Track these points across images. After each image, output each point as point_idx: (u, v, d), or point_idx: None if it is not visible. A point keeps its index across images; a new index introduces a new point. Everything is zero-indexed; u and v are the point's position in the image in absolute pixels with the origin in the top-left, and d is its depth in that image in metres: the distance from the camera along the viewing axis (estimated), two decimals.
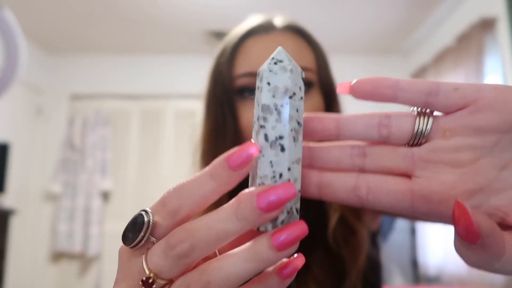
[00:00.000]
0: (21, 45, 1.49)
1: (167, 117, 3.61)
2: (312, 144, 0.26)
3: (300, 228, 0.20)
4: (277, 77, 0.22)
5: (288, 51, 0.56)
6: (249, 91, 0.55)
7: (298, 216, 0.22)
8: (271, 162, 0.22)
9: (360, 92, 0.23)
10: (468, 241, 0.18)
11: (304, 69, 0.56)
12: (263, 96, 0.22)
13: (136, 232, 0.21)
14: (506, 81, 2.20)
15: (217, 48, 0.62)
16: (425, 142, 0.23)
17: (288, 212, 0.22)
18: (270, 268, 0.21)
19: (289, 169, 0.22)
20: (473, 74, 2.32)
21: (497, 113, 0.21)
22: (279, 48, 0.23)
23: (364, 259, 0.57)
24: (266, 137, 0.22)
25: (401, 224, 2.78)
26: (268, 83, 0.22)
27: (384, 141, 0.24)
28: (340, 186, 0.24)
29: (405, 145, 0.24)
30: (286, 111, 0.22)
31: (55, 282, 3.39)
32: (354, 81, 0.24)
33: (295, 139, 0.22)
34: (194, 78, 3.61)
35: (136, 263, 0.21)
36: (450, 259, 2.51)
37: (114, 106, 3.62)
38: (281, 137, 0.22)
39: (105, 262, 3.36)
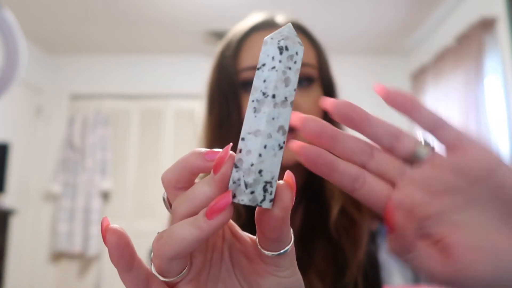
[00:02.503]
0: (21, 45, 1.49)
1: (167, 117, 3.61)
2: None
3: (224, 199, 0.22)
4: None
5: None
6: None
7: (246, 190, 0.22)
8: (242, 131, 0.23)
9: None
10: (389, 229, 0.24)
11: (305, 65, 0.58)
12: None
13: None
14: (506, 81, 2.20)
15: (221, 43, 0.63)
16: (419, 164, 0.26)
17: (234, 182, 0.22)
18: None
19: (242, 139, 0.22)
20: (473, 74, 2.32)
21: (477, 163, 0.25)
22: (288, 25, 0.23)
23: (364, 250, 0.59)
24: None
25: None
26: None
27: (390, 149, 0.27)
28: (346, 172, 0.25)
29: (404, 160, 0.27)
30: (253, 84, 0.22)
31: (55, 282, 3.39)
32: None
33: (255, 110, 0.22)
34: (194, 78, 3.62)
35: None
36: None
37: (114, 106, 3.62)
38: (245, 109, 0.22)
39: (105, 262, 3.36)
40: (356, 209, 0.60)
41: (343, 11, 2.87)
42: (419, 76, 3.14)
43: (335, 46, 3.36)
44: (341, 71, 0.69)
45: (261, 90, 0.22)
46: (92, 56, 3.64)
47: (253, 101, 0.22)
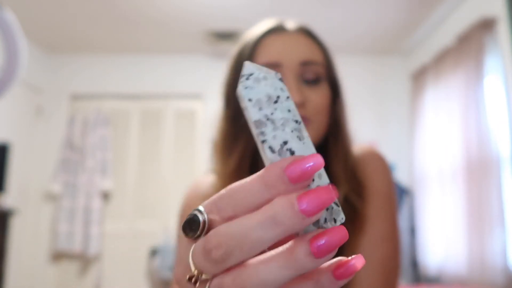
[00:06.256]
0: (21, 45, 1.49)
1: (167, 117, 3.61)
2: None
3: (340, 234, 0.19)
4: (254, 91, 0.22)
5: (300, 48, 0.63)
6: None
7: (340, 209, 0.22)
8: None
9: None
10: None
11: (315, 63, 0.63)
12: (251, 113, 0.22)
13: (194, 230, 0.21)
14: (506, 81, 2.20)
15: (235, 47, 0.69)
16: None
17: (327, 209, 0.21)
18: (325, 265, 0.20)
19: None
20: (473, 74, 2.32)
21: None
22: (245, 63, 0.23)
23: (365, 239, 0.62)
24: (271, 149, 0.21)
25: (400, 224, 2.77)
26: (250, 100, 0.22)
27: None
28: None
29: None
30: (278, 117, 0.22)
31: (55, 282, 3.39)
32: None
33: (300, 138, 0.22)
34: (194, 78, 3.62)
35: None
36: (450, 259, 2.50)
37: (114, 106, 3.62)
38: (285, 142, 0.22)
39: (105, 262, 3.36)
40: (359, 198, 0.63)
41: (344, 12, 2.87)
42: (419, 76, 3.14)
43: (336, 46, 3.35)
44: (341, 71, 0.71)
45: (292, 119, 0.22)
46: (92, 56, 3.64)
47: (292, 131, 0.22)
